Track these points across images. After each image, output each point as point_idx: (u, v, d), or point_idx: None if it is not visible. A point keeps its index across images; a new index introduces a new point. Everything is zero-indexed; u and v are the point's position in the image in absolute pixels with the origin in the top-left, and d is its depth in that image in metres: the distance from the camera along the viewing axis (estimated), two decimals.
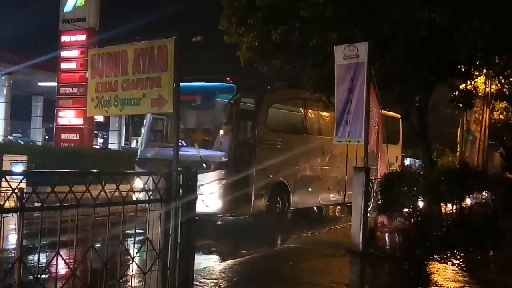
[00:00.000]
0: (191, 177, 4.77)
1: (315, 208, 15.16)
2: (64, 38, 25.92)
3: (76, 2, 25.69)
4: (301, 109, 14.02)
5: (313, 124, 14.50)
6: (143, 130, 12.96)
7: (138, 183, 4.42)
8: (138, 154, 12.65)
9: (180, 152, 4.68)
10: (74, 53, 25.71)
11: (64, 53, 25.98)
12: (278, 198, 12.54)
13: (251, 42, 11.60)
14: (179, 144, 12.21)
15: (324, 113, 14.38)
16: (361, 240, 8.52)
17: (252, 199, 11.54)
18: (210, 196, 10.61)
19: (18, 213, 3.57)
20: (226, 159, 11.10)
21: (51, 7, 27.52)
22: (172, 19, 31.34)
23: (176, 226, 4.56)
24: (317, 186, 13.94)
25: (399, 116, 16.06)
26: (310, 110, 14.22)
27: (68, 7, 25.88)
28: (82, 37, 25.49)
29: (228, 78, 12.04)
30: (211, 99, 12.22)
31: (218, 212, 11.15)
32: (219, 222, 12.78)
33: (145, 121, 12.95)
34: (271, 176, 12.09)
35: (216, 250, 9.67)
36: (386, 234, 8.60)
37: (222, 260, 8.61)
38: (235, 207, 11.35)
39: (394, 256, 8.41)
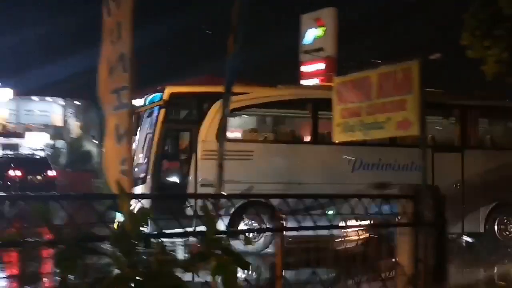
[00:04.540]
0: (440, 199, 4.60)
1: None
2: (305, 68, 27.56)
3: (316, 34, 27.21)
4: (297, 111, 11.65)
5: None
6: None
7: None
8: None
9: None
10: (315, 81, 27.13)
11: (305, 82, 27.62)
12: (254, 221, 10.21)
13: (499, 55, 10.82)
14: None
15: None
16: None
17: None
18: None
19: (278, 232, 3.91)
20: (143, 175, 9.62)
21: (288, 41, 29.61)
22: (403, 38, 30.81)
23: (427, 251, 4.44)
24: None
25: None
26: (321, 113, 10.99)
27: (308, 39, 27.53)
28: (321, 66, 26.77)
29: (160, 87, 10.74)
30: (144, 110, 11.08)
31: None
32: None
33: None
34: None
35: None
36: None
37: None
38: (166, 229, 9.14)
39: None
